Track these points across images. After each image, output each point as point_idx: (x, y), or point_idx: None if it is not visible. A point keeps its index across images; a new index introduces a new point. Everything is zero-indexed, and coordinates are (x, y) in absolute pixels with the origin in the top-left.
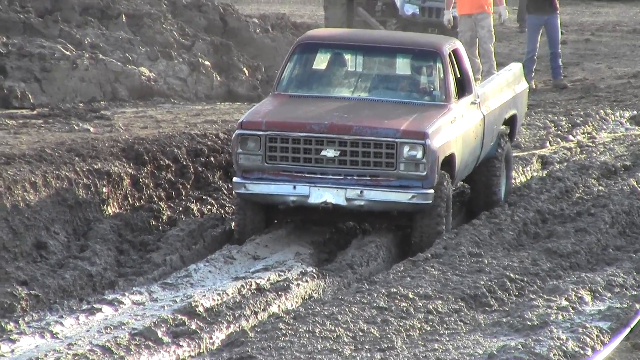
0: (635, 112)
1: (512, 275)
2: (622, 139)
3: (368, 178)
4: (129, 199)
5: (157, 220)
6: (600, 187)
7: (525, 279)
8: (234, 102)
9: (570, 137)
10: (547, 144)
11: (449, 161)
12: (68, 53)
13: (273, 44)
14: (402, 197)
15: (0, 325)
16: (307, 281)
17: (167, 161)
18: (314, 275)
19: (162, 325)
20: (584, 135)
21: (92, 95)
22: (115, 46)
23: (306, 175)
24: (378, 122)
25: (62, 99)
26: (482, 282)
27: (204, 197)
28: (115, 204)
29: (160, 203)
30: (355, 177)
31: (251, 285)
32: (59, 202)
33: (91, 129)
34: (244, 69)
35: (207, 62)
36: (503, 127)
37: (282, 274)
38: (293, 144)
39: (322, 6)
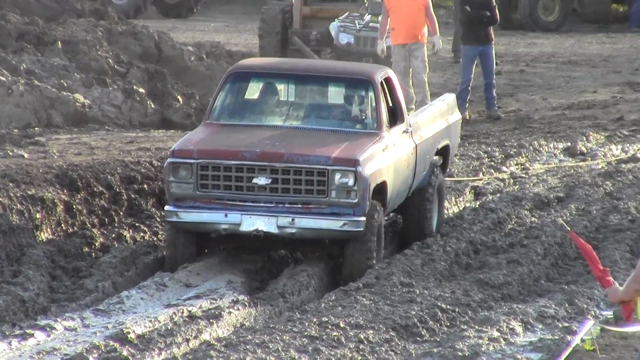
0: (569, 144)
1: (443, 305)
2: (556, 170)
3: (300, 206)
4: (63, 225)
5: (90, 246)
6: (533, 219)
7: (457, 310)
8: (168, 130)
9: (504, 168)
10: (481, 174)
11: (380, 189)
12: (3, 79)
13: (208, 72)
14: (333, 224)
15: None
16: (238, 309)
17: (100, 188)
18: (246, 303)
19: (94, 351)
20: (517, 167)
21: (27, 121)
22: (50, 72)
23: (238, 203)
24: (309, 149)
25: None
26: (414, 312)
27: (137, 224)
28: (48, 229)
29: (94, 229)
30: (287, 205)
31: (183, 312)
32: None
33: (25, 155)
34: (178, 96)
35: (141, 90)
36: (436, 157)
37: (214, 301)
38: (225, 172)
39: (257, 35)
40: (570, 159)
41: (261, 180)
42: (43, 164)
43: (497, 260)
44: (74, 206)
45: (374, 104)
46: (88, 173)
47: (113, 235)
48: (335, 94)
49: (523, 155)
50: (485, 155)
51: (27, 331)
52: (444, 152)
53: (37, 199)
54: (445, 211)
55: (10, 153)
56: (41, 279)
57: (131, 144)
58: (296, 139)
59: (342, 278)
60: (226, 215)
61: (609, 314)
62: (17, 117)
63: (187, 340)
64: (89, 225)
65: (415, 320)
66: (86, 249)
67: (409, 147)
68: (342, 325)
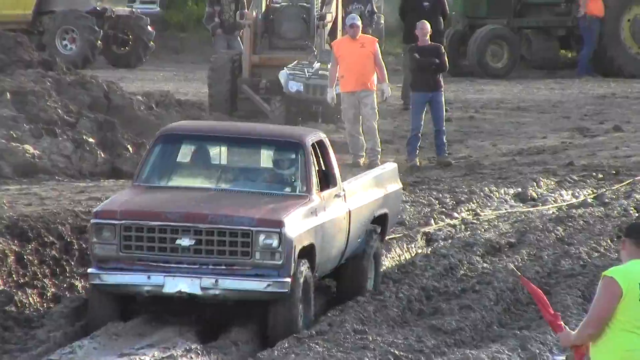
0: (519, 189)
1: (396, 352)
2: (507, 216)
3: (224, 267)
4: (14, 275)
5: (41, 297)
6: (485, 264)
7: (410, 356)
8: (119, 179)
9: (455, 214)
10: (432, 221)
11: (308, 251)
12: None
13: (157, 122)
14: (257, 285)
15: None
16: (191, 358)
17: (51, 238)
18: (199, 352)
19: None
20: (468, 213)
21: None
22: (2, 124)
23: (161, 264)
24: (234, 210)
25: None
26: (367, 359)
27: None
28: (0, 281)
29: (45, 280)
30: (210, 266)
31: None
32: None
33: None
34: (129, 146)
35: (91, 139)
36: (373, 226)
37: (167, 350)
38: (148, 233)
39: (206, 84)
40: (521, 205)
41: (185, 242)
42: None
43: (449, 306)
44: (25, 256)
45: (303, 167)
46: (39, 223)
47: (65, 285)
48: (267, 157)
49: (474, 201)
50: (437, 202)
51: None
52: (382, 220)
53: None
54: (398, 258)
55: None
56: None
57: (82, 194)
58: (222, 200)
59: (268, 339)
60: (149, 277)
61: (561, 358)
62: None
63: None
64: (40, 275)
65: None
66: (37, 299)
67: (342, 212)
68: None
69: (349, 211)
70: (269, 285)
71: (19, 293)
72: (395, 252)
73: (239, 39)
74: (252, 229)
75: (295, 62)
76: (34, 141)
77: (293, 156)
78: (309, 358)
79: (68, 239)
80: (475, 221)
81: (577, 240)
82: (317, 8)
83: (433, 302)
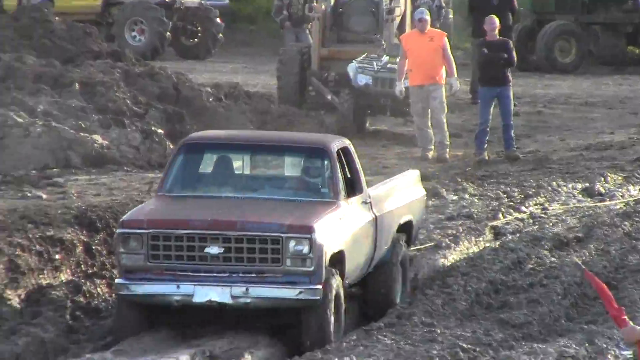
0: (587, 184)
1: (464, 345)
2: (574, 210)
3: (254, 275)
4: (82, 265)
5: (109, 287)
6: (553, 259)
7: (478, 349)
8: None
9: (523, 208)
10: (500, 214)
11: (338, 258)
12: (21, 120)
13: (226, 113)
14: (289, 293)
15: None
16: (259, 349)
17: None
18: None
19: None
20: (536, 207)
21: (44, 162)
22: (68, 114)
23: (190, 273)
24: (263, 217)
25: (15, 166)
26: (435, 352)
27: None
28: (68, 270)
29: (113, 270)
30: (240, 274)
31: (204, 352)
32: (12, 269)
33: (44, 196)
34: None
35: (160, 130)
36: (398, 234)
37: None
38: (176, 241)
39: (275, 76)
40: (589, 200)
41: (213, 250)
42: (62, 205)
43: (517, 300)
44: (94, 247)
45: (330, 173)
46: (107, 214)
47: None
48: (292, 165)
49: (542, 195)
50: (505, 196)
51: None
52: (407, 228)
53: (56, 239)
54: (465, 251)
55: (28, 194)
56: (61, 319)
57: (150, 185)
58: (250, 207)
59: (302, 347)
60: (178, 287)
61: (628, 353)
62: (35, 159)
63: None
64: (108, 265)
65: (437, 359)
66: (106, 290)
67: (368, 218)
68: None
69: (375, 218)
70: (300, 292)
71: (88, 283)
72: (464, 245)
73: (307, 31)
74: (282, 235)
75: (364, 55)
76: (102, 132)
77: (319, 163)
78: (377, 350)
79: None
80: (543, 215)
81: None
82: (386, 2)
83: (501, 296)
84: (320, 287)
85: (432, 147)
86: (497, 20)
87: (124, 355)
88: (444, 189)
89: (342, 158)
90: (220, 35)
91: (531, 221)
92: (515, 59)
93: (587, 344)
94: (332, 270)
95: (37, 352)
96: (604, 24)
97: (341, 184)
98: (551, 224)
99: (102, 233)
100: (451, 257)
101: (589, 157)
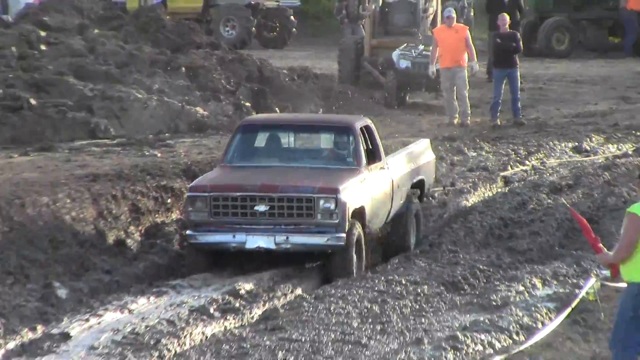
0: (576, 144)
1: (481, 266)
2: (566, 164)
3: (292, 226)
4: None
5: None
6: (549, 201)
7: (491, 270)
8: None
9: (527, 162)
10: (509, 167)
11: (359, 212)
12: (140, 96)
13: (298, 90)
14: (319, 240)
15: (90, 304)
16: (301, 280)
17: None
18: (277, 281)
19: (214, 303)
20: (536, 161)
21: (159, 129)
22: (176, 91)
23: (243, 226)
24: (299, 182)
25: (136, 132)
26: (458, 272)
27: None
28: (177, 211)
29: None
30: (282, 226)
31: (261, 280)
32: (134, 210)
33: (158, 154)
34: (276, 109)
35: (247, 104)
36: (412, 189)
37: (259, 281)
38: (232, 202)
39: (336, 61)
40: (577, 155)
41: (261, 208)
42: (172, 161)
43: (521, 232)
44: None
45: (354, 147)
46: (207, 168)
47: None
48: (325, 140)
49: (541, 152)
50: (512, 152)
51: (162, 289)
52: (420, 185)
53: (168, 188)
54: (482, 195)
55: (146, 153)
56: (171, 249)
57: None
58: (290, 174)
59: (330, 281)
60: (234, 236)
61: (607, 272)
62: (151, 126)
63: (285, 295)
64: None
65: (460, 278)
66: None
67: (386, 180)
68: (403, 282)
69: (392, 180)
70: (328, 239)
71: None
72: (481, 190)
73: (361, 26)
74: (314, 195)
75: (404, 44)
76: (203, 105)
77: (345, 138)
78: (414, 271)
79: None
80: (541, 167)
81: (620, 182)
82: (421, 3)
83: (509, 229)
84: (344, 235)
85: (457, 115)
86: (507, 17)
87: (222, 276)
88: (465, 148)
89: (365, 134)
90: (294, 29)
91: (533, 172)
92: (522, 47)
93: (575, 266)
94: (355, 222)
95: (154, 274)
96: (590, 19)
97: (363, 155)
98: (548, 174)
99: None
100: (471, 199)
101: (578, 123)
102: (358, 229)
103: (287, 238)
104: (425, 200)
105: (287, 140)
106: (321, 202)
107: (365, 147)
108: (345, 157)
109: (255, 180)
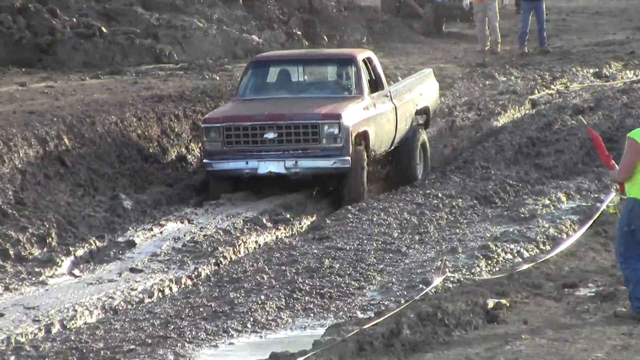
0: (597, 70)
1: (511, 182)
2: (588, 88)
3: (300, 151)
4: None
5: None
6: (572, 122)
7: (520, 185)
8: None
9: (552, 86)
10: (535, 91)
11: (363, 136)
12: (201, 25)
13: (345, 20)
14: (326, 163)
15: (153, 214)
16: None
17: None
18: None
19: (266, 214)
20: (561, 85)
21: (218, 55)
22: (234, 20)
23: (255, 153)
24: (305, 110)
25: (197, 57)
26: (490, 187)
27: None
28: None
29: None
30: (290, 152)
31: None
32: (194, 129)
33: (217, 78)
34: (324, 36)
35: (298, 32)
36: (417, 116)
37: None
38: (243, 131)
39: None
40: (598, 80)
41: (270, 135)
42: (230, 84)
43: (547, 150)
44: None
45: (355, 76)
46: None
47: None
48: (330, 72)
49: (565, 77)
50: (539, 78)
51: (219, 201)
52: (425, 112)
53: None
54: (511, 116)
55: (206, 77)
56: None
57: None
58: (297, 104)
59: (344, 203)
60: (247, 163)
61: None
62: (211, 52)
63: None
64: None
65: (491, 192)
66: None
67: (389, 107)
68: (440, 195)
69: (395, 107)
70: (334, 162)
71: None
72: (510, 112)
73: None
74: (318, 122)
75: None
76: (258, 33)
77: (349, 69)
78: (449, 185)
79: None
80: (565, 91)
81: (637, 105)
82: None
83: (536, 147)
84: (348, 158)
85: (489, 43)
86: None
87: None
88: (496, 73)
89: (368, 65)
90: None
91: (557, 95)
92: None
93: (596, 181)
94: (359, 147)
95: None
96: None
97: (365, 84)
98: (571, 97)
99: None
100: (501, 120)
101: (598, 51)
102: (362, 152)
103: (296, 162)
104: (458, 122)
105: (296, 74)
106: (325, 127)
107: (367, 77)
108: (348, 87)
109: (264, 110)
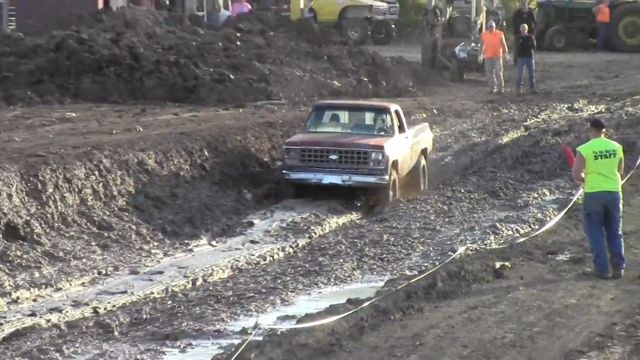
0: (570, 104)
1: (511, 181)
2: (564, 117)
3: (353, 170)
4: None
5: None
6: (553, 140)
7: (517, 184)
8: (378, 97)
9: (539, 116)
10: (528, 119)
11: (395, 163)
12: (298, 73)
13: (397, 70)
14: (371, 179)
15: (265, 204)
16: (338, 212)
17: None
18: (340, 210)
19: (344, 204)
20: (545, 115)
21: (309, 94)
22: (321, 70)
23: (321, 168)
24: (359, 140)
25: (295, 96)
26: (497, 185)
27: None
28: None
29: None
30: (346, 169)
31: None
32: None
33: (309, 111)
34: (383, 82)
35: (365, 79)
36: (421, 154)
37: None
38: (314, 153)
39: (420, 52)
40: (570, 112)
41: (333, 156)
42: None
43: (536, 160)
44: None
45: (390, 121)
46: None
47: None
48: (371, 117)
49: (548, 110)
50: (530, 110)
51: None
52: (425, 151)
53: None
54: (511, 136)
55: (302, 109)
56: None
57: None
58: (352, 137)
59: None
60: (315, 175)
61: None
62: (305, 92)
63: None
64: None
65: (498, 188)
66: None
67: (408, 144)
68: (462, 191)
69: (411, 144)
70: (377, 179)
71: None
72: (510, 134)
73: (436, 31)
74: (368, 150)
75: (463, 42)
76: (337, 79)
77: (385, 116)
78: (468, 184)
79: None
80: (548, 119)
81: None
82: (474, 17)
83: (528, 158)
84: (387, 177)
85: (496, 87)
86: (525, 26)
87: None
88: (500, 107)
89: (397, 114)
90: (394, 33)
91: (543, 122)
92: (535, 44)
93: (569, 181)
94: (393, 169)
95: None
96: (577, 27)
97: (396, 127)
98: (553, 123)
99: None
100: (504, 139)
101: (570, 92)
102: (394, 174)
103: (350, 177)
104: (474, 141)
105: (347, 117)
106: (373, 154)
107: (398, 122)
108: (385, 128)
109: (329, 139)
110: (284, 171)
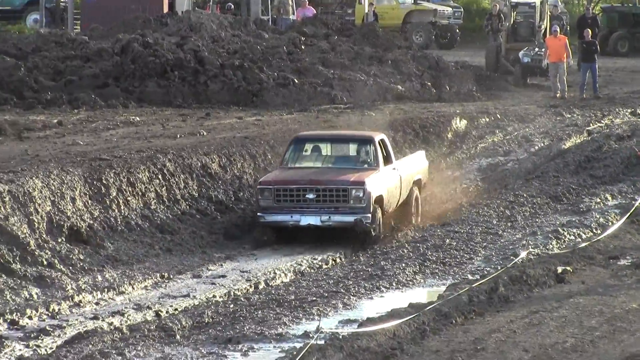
0: (633, 109)
1: (573, 186)
2: (627, 122)
3: (333, 209)
4: None
5: None
6: (616, 145)
7: (580, 188)
8: (442, 101)
9: (602, 121)
10: (591, 124)
11: (379, 199)
12: (362, 78)
13: (460, 75)
14: (351, 219)
15: None
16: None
17: None
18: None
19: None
20: (608, 120)
21: (373, 98)
22: (385, 75)
23: (298, 209)
24: (337, 177)
25: (359, 100)
26: (559, 189)
27: None
28: None
29: None
30: (325, 209)
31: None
32: None
33: (373, 114)
34: (447, 86)
35: (429, 83)
36: (413, 186)
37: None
38: (289, 192)
39: (484, 57)
40: (633, 117)
41: (310, 196)
42: (381, 119)
43: (598, 165)
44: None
45: (374, 153)
46: (404, 124)
47: None
48: (353, 148)
49: (611, 115)
50: (593, 115)
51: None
52: (418, 182)
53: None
54: (574, 141)
55: (365, 113)
56: None
57: (425, 109)
58: (330, 172)
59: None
60: (291, 217)
61: None
62: (369, 97)
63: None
64: None
65: (560, 193)
66: None
67: (396, 177)
68: (525, 195)
69: (400, 177)
70: (358, 218)
71: None
72: (573, 139)
73: (500, 36)
74: (348, 187)
75: (527, 47)
76: (401, 84)
77: (368, 147)
78: (531, 189)
79: None
80: (611, 124)
81: None
82: (537, 21)
83: (591, 163)
84: (369, 215)
85: (559, 92)
86: (589, 31)
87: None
88: (563, 112)
89: (381, 144)
90: (458, 38)
91: (606, 127)
92: (599, 49)
93: (632, 186)
94: (376, 206)
95: None
96: None
97: (381, 159)
98: (615, 129)
99: None
100: (567, 144)
101: (634, 97)
102: (379, 211)
103: (329, 217)
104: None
105: (327, 149)
106: (353, 191)
107: (382, 154)
108: (368, 160)
109: (306, 177)
110: (258, 214)
